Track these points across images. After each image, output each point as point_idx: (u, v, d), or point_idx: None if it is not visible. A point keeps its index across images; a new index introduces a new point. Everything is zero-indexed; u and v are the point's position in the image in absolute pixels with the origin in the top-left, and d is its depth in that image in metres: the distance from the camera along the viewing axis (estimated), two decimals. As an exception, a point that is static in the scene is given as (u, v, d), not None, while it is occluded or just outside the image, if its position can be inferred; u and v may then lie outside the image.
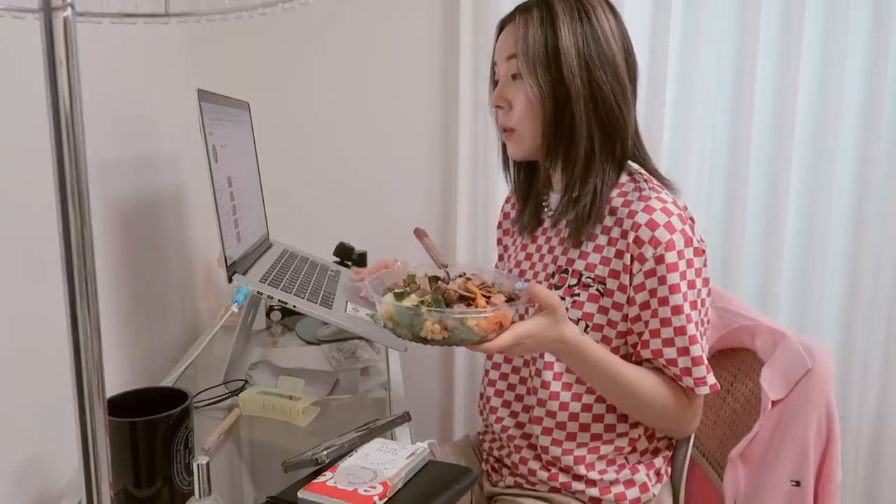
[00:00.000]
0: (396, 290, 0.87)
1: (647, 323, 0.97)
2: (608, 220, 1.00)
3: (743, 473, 1.04)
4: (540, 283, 1.04)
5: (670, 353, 0.96)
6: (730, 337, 1.19)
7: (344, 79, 1.92)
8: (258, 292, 1.07)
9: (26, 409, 0.84)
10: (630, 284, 0.97)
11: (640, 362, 1.00)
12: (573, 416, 1.03)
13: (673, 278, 0.94)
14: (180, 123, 1.51)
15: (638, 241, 0.95)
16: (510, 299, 0.84)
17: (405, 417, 0.96)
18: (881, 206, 1.97)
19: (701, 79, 1.89)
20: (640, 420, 1.03)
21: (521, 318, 0.97)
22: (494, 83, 1.09)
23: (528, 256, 1.12)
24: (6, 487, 0.80)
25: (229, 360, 1.19)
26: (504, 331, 0.83)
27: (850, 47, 1.91)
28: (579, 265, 1.02)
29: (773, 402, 1.02)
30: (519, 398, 1.10)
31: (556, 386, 1.03)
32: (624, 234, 0.97)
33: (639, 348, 0.99)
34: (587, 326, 1.00)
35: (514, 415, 1.10)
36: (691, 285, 0.96)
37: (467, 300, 0.83)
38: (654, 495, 1.05)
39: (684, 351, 0.95)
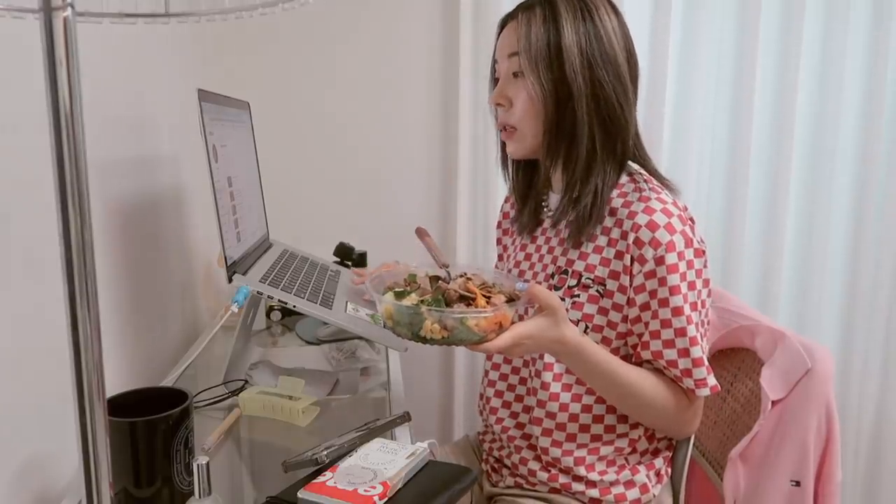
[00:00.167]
0: (397, 289, 0.86)
1: (647, 324, 0.97)
2: (608, 221, 1.00)
3: (743, 473, 1.04)
4: (539, 283, 1.04)
5: (670, 354, 0.95)
6: (730, 337, 1.19)
7: (344, 79, 1.92)
8: (258, 292, 1.07)
9: (26, 409, 0.84)
10: (630, 286, 0.97)
11: (640, 363, 1.00)
12: (573, 417, 1.03)
13: (673, 280, 0.94)
14: (180, 123, 1.51)
15: (638, 243, 0.95)
16: (510, 300, 0.84)
17: (405, 417, 0.96)
18: (881, 205, 1.97)
19: (701, 79, 1.89)
20: (641, 421, 1.02)
21: (521, 318, 0.97)
22: (495, 81, 1.09)
23: (528, 257, 1.12)
24: (6, 487, 0.80)
25: (229, 360, 1.19)
26: (504, 331, 0.83)
27: (850, 47, 1.91)
28: (579, 266, 1.01)
29: (773, 402, 1.02)
30: (519, 399, 1.10)
31: (555, 387, 1.03)
32: (624, 235, 0.97)
33: (639, 349, 0.98)
34: (587, 327, 1.00)
35: (514, 415, 1.10)
36: (691, 286, 0.96)
37: (467, 300, 0.83)
38: (654, 496, 1.05)
39: (685, 352, 0.95)
